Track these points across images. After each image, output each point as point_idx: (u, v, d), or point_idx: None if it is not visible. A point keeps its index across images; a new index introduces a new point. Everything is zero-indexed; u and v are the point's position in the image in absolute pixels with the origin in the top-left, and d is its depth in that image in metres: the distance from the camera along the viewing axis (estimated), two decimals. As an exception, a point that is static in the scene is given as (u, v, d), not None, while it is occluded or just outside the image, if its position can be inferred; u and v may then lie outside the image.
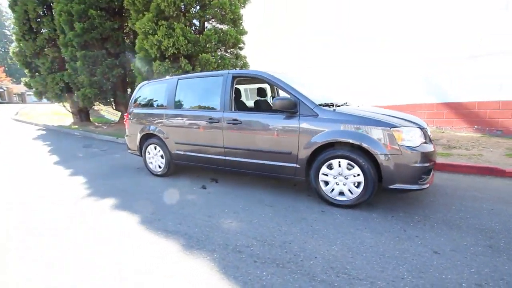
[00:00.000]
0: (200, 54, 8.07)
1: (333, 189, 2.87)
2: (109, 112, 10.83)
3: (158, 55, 7.56)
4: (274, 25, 10.50)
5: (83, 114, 12.85)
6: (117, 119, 10.68)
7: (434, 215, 2.62)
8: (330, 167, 2.84)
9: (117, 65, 10.11)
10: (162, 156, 4.19)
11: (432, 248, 2.07)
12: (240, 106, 3.94)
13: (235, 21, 8.58)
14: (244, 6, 8.89)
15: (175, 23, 7.65)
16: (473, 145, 5.28)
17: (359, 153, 2.68)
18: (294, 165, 3.03)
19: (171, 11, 7.48)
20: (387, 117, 2.77)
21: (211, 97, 3.64)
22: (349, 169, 2.74)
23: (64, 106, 12.67)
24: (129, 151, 4.81)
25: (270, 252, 2.08)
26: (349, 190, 2.79)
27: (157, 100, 4.24)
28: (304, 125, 2.90)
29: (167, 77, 4.24)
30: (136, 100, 4.54)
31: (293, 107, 2.92)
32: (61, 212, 3.01)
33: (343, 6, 8.56)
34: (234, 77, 3.46)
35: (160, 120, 4.07)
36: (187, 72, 7.75)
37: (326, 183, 2.90)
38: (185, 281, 1.79)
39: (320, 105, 2.96)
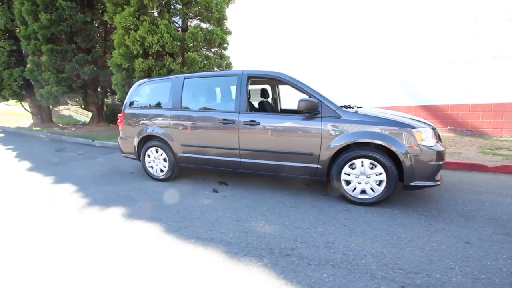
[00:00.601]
0: (185, 53, 7.80)
1: (355, 188, 2.97)
2: (77, 112, 9.89)
3: (141, 51, 7.13)
4: (255, 27, 10.52)
5: (44, 114, 11.59)
6: (87, 119, 9.80)
7: (447, 209, 2.85)
8: (352, 166, 2.94)
9: (89, 61, 9.31)
10: (165, 160, 3.95)
11: (462, 238, 2.25)
12: (251, 107, 3.88)
13: (220, 20, 8.43)
14: (227, 6, 8.78)
15: (159, 19, 7.29)
16: (450, 143, 5.84)
17: (382, 153, 2.81)
18: (316, 165, 3.08)
19: (155, 6, 7.12)
20: (404, 119, 2.95)
21: (224, 98, 3.54)
22: (372, 168, 2.86)
23: (22, 105, 11.32)
24: (123, 154, 4.46)
25: (318, 253, 2.09)
26: (371, 189, 2.90)
27: (159, 100, 3.99)
28: (327, 126, 2.96)
29: (170, 75, 4.02)
30: (132, 100, 4.22)
31: (316, 109, 2.96)
32: (65, 226, 2.69)
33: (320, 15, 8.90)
34: (249, 77, 3.40)
35: (164, 121, 3.84)
36: (172, 70, 7.44)
37: (348, 182, 2.99)
38: (247, 290, 1.71)
39: (341, 106, 3.05)
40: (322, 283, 1.74)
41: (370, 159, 2.84)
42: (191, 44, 7.60)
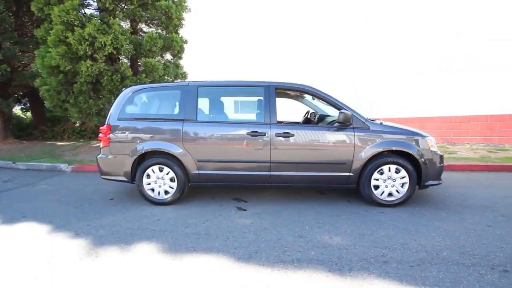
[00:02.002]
0: (142, 58, 7.00)
1: (382, 192, 3.28)
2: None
3: (89, 53, 5.97)
4: (208, 37, 10.33)
5: None
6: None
7: (449, 203, 3.44)
8: (380, 172, 3.25)
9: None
10: (172, 179, 3.40)
11: (482, 224, 2.79)
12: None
13: (176, 27, 7.96)
14: (184, 13, 8.39)
15: (110, 18, 6.33)
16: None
17: (405, 159, 3.22)
18: (348, 174, 3.26)
19: (107, 2, 6.16)
20: (413, 129, 3.47)
21: (249, 109, 3.35)
22: (397, 173, 3.24)
23: None
24: (104, 177, 3.58)
25: (406, 254, 2.21)
26: (396, 191, 3.27)
27: (164, 111, 3.44)
28: (359, 136, 3.21)
29: (175, 82, 3.53)
30: (124, 110, 3.49)
31: (349, 120, 3.17)
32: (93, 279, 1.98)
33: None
34: (276, 89, 3.35)
35: (174, 135, 3.33)
36: (125, 77, 6.53)
37: (376, 187, 3.28)
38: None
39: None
40: (441, 280, 1.87)
41: (396, 164, 3.22)
42: (148, 50, 6.85)
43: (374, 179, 3.25)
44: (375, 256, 2.20)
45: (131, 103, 3.53)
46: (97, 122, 6.84)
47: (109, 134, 3.44)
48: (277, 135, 3.24)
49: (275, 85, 3.36)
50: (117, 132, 3.44)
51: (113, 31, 6.11)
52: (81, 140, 9.26)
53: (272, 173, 3.30)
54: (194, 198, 3.69)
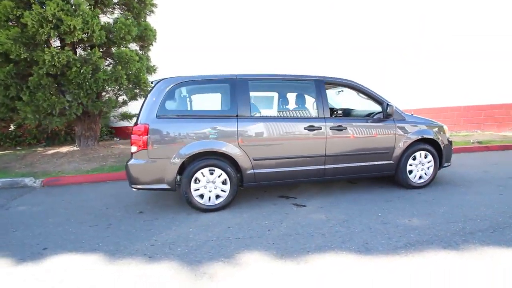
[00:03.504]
0: (114, 47, 6.04)
1: (415, 176, 3.71)
2: None
3: (55, 38, 4.82)
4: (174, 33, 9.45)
5: None
6: None
7: (460, 180, 4.10)
8: (414, 158, 3.66)
9: None
10: (224, 182, 3.10)
11: (495, 193, 3.45)
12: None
13: (145, 16, 7.10)
14: (152, 0, 7.52)
15: (76, -4, 5.24)
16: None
17: (431, 145, 3.71)
18: (390, 162, 3.57)
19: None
20: (432, 120, 3.99)
21: (301, 103, 3.30)
22: (425, 157, 3.70)
23: None
24: (139, 186, 3.01)
25: (485, 223, 2.59)
26: (425, 174, 3.74)
27: (214, 106, 3.08)
28: (399, 126, 3.54)
29: (219, 74, 3.16)
30: (164, 106, 2.97)
31: (393, 112, 3.46)
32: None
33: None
34: (325, 83, 3.39)
35: (229, 133, 3.03)
36: (98, 68, 5.56)
37: (410, 172, 3.69)
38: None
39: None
40: (527, 241, 2.28)
41: (425, 150, 3.68)
42: (121, 38, 5.93)
43: (409, 164, 3.65)
44: (459, 229, 2.51)
45: (172, 98, 3.05)
46: (59, 124, 5.57)
47: (147, 135, 2.90)
48: (332, 128, 3.30)
49: (325, 80, 3.40)
50: (157, 132, 2.93)
51: (81, 13, 5.05)
52: (18, 147, 7.37)
53: (326, 166, 3.35)
54: (237, 202, 3.44)
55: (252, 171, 3.15)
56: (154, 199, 3.62)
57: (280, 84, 3.48)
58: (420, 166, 3.71)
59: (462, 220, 2.72)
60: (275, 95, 3.49)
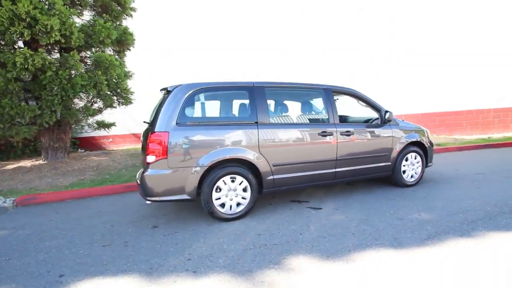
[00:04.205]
0: (90, 51, 5.62)
1: (407, 175, 4.10)
2: None
3: (27, 38, 4.28)
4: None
5: None
6: None
7: (441, 177, 4.65)
8: (406, 159, 4.05)
9: None
10: (244, 189, 3.06)
11: (472, 186, 3.99)
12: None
13: (121, 20, 6.74)
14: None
15: (51, -6, 4.79)
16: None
17: (418, 147, 4.15)
18: (388, 163, 3.90)
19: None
20: (417, 125, 4.47)
21: (314, 110, 3.44)
22: (415, 158, 4.13)
23: None
24: (156, 198, 2.81)
25: (480, 212, 2.98)
26: (415, 173, 4.17)
27: (234, 113, 3.03)
28: (395, 131, 3.91)
29: (236, 82, 3.14)
30: (184, 113, 2.83)
31: (391, 118, 3.81)
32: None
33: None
34: (333, 92, 3.60)
35: (250, 140, 3.01)
36: (76, 73, 5.11)
37: (404, 172, 4.07)
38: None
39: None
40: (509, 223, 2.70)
41: (415, 152, 4.11)
42: (100, 42, 5.53)
43: (403, 165, 4.04)
44: (463, 220, 2.86)
45: (191, 105, 2.94)
46: (27, 135, 4.87)
47: (167, 143, 2.74)
48: (341, 133, 3.51)
49: (332, 88, 3.62)
50: (177, 140, 2.78)
51: (57, 12, 4.58)
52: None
53: (337, 170, 3.53)
54: (253, 209, 3.40)
55: (271, 177, 3.17)
56: (162, 211, 3.39)
57: (294, 92, 3.59)
58: (411, 166, 4.12)
59: (461, 211, 3.10)
60: (290, 102, 3.59)
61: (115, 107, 6.36)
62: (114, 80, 5.70)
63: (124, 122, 8.52)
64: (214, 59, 8.80)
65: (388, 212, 3.18)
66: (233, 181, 3.00)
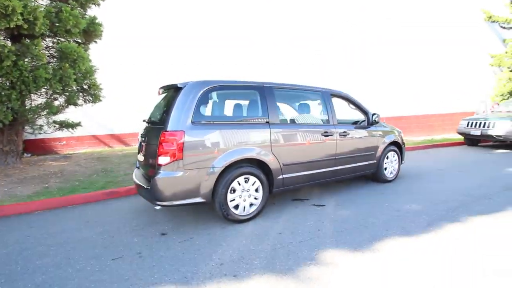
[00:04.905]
0: (58, 41, 4.99)
1: (388, 172, 4.54)
2: None
3: (-20, 20, 3.58)
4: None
5: None
6: None
7: (409, 173, 5.24)
8: (387, 157, 4.49)
9: None
10: (256, 190, 3.04)
11: (428, 182, 4.62)
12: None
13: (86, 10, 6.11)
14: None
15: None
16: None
17: (395, 146, 4.64)
18: (374, 161, 4.27)
19: None
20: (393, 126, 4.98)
21: (315, 111, 3.57)
22: (394, 157, 4.60)
23: None
24: (167, 203, 2.61)
25: (453, 203, 3.46)
26: (393, 169, 4.64)
27: (246, 113, 2.97)
28: (380, 132, 4.30)
29: (247, 81, 3.08)
30: (199, 111, 2.68)
31: (377, 120, 4.19)
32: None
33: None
34: (331, 95, 3.81)
35: (262, 139, 3.00)
36: (39, 64, 4.49)
37: (385, 168, 4.50)
38: None
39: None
40: (486, 208, 3.22)
41: (393, 151, 4.58)
42: (66, 31, 4.92)
43: (384, 163, 4.47)
44: (447, 208, 3.29)
45: (205, 103, 2.81)
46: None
47: (183, 143, 2.57)
48: (340, 134, 3.73)
49: (330, 92, 3.83)
50: (193, 140, 2.63)
51: (17, -8, 3.91)
52: None
53: (336, 168, 3.74)
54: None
55: (281, 176, 3.21)
56: (162, 217, 3.16)
57: (298, 93, 3.69)
58: (391, 164, 4.59)
59: (441, 202, 3.55)
60: (295, 103, 3.67)
61: (80, 105, 5.67)
62: (83, 76, 5.09)
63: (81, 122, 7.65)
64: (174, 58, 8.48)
65: (383, 205, 3.48)
66: (246, 182, 2.96)
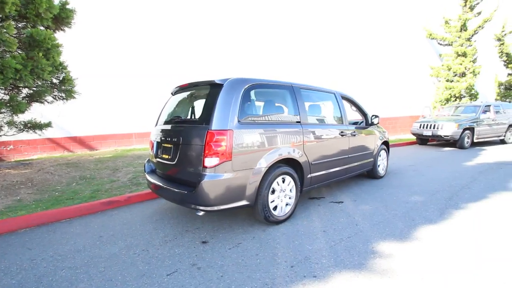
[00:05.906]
0: (25, 26, 4.25)
1: (381, 168, 4.97)
2: None
3: None
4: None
5: None
6: None
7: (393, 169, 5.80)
8: (380, 155, 4.92)
9: None
10: (291, 190, 3.03)
11: (411, 177, 5.25)
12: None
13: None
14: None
15: None
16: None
17: (385, 145, 5.11)
18: (371, 159, 4.63)
19: None
20: (378, 127, 5.46)
21: (331, 111, 3.71)
22: (384, 154, 5.06)
23: None
24: (213, 208, 2.42)
25: (444, 193, 3.98)
26: (384, 166, 5.09)
27: (277, 111, 2.92)
28: (375, 131, 4.68)
29: (278, 80, 3.03)
30: (243, 110, 2.54)
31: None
32: None
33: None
34: (342, 97, 4.00)
35: (298, 139, 3.01)
36: (8, 51, 3.78)
37: (378, 165, 4.91)
38: None
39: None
40: (469, 200, 3.78)
41: (384, 150, 5.04)
42: (36, 15, 4.21)
43: (378, 160, 4.88)
44: (443, 198, 3.76)
45: (247, 101, 2.67)
46: None
47: (232, 143, 2.42)
48: (351, 134, 3.95)
49: (340, 94, 4.03)
50: (241, 139, 2.50)
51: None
52: None
53: (347, 166, 3.95)
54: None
55: (310, 175, 3.26)
56: (191, 225, 2.91)
57: (318, 94, 3.76)
58: (382, 161, 5.04)
59: (436, 192, 4.05)
60: (316, 103, 3.74)
61: (48, 102, 4.84)
62: (57, 68, 4.36)
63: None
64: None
65: (392, 198, 3.81)
66: (283, 182, 2.93)
